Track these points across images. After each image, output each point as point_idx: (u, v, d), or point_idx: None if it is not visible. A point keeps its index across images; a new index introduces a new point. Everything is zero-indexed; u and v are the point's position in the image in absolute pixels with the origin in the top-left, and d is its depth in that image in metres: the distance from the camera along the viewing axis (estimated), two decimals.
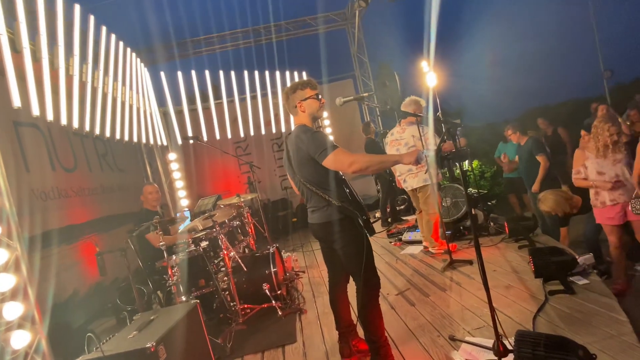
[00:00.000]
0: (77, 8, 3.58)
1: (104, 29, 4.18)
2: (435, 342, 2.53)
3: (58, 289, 4.47)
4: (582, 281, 2.87)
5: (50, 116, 3.17)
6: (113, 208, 6.16)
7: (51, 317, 4.09)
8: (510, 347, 2.05)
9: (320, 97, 2.38)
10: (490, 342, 2.19)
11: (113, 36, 4.43)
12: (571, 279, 2.90)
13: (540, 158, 4.64)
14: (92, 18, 3.87)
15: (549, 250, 2.94)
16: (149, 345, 1.91)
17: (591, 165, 3.18)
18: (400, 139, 4.34)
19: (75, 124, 3.64)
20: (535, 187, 4.71)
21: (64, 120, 3.45)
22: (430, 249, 4.52)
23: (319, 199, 2.30)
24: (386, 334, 2.41)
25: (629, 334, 2.13)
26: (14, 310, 2.39)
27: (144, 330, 2.18)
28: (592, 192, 3.31)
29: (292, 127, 2.46)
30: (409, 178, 4.38)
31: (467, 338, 2.47)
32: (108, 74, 4.36)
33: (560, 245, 3.17)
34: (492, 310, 2.05)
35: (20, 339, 2.39)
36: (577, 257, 2.98)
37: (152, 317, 2.37)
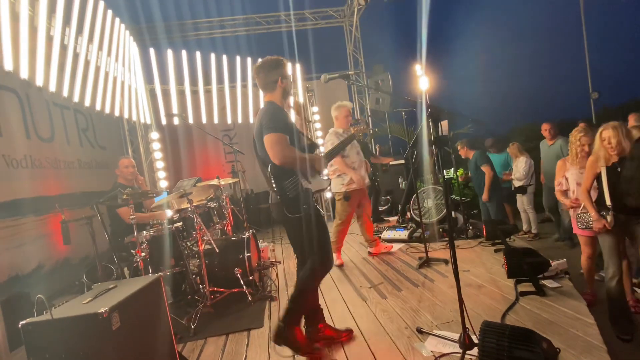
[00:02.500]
0: None
1: None
2: (403, 333, 2.49)
3: (22, 260, 4.30)
4: (554, 284, 2.88)
5: (24, 74, 3.02)
6: (90, 184, 5.98)
7: (10, 287, 3.94)
8: (476, 341, 2.02)
9: (291, 77, 2.46)
10: (457, 336, 2.16)
11: (101, 2, 4.29)
12: (543, 282, 2.90)
13: (484, 168, 5.05)
14: None
15: (524, 252, 2.93)
16: (101, 310, 1.81)
17: (571, 177, 3.15)
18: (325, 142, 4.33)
19: (52, 87, 3.49)
20: (484, 196, 5.12)
21: (39, 82, 3.30)
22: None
23: (267, 179, 2.30)
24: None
25: (595, 335, 2.12)
26: None
27: (100, 298, 2.07)
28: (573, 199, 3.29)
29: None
30: (334, 182, 4.27)
31: (435, 331, 2.43)
32: (93, 42, 4.21)
33: (534, 248, 3.15)
34: (461, 301, 2.01)
35: None
36: (550, 261, 2.98)
37: (111, 287, 2.26)
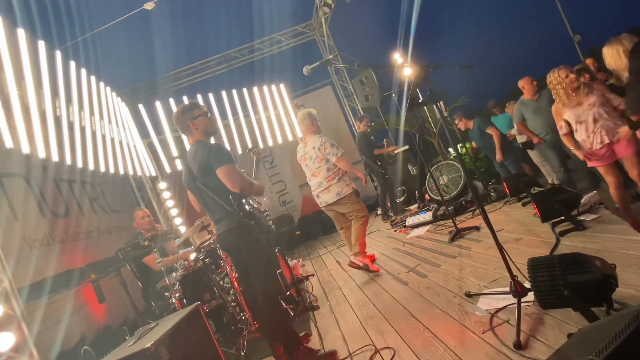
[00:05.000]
0: (41, 45, 3.60)
1: (72, 63, 4.20)
2: (452, 302, 2.41)
3: (64, 336, 4.31)
4: (591, 216, 2.78)
5: (25, 149, 3.12)
6: (111, 249, 6.03)
7: None
8: (528, 286, 1.94)
9: (209, 114, 2.60)
10: (507, 289, 2.08)
11: (83, 70, 4.45)
12: (580, 217, 2.81)
13: (490, 130, 5.03)
14: (58, 54, 3.89)
15: (551, 191, 2.85)
16: (147, 345, 1.79)
17: (570, 118, 3.04)
18: (305, 154, 4.00)
19: (55, 157, 3.59)
20: (498, 156, 5.07)
21: (41, 154, 3.40)
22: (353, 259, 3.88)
23: (221, 209, 2.45)
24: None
25: None
26: None
27: (143, 337, 2.06)
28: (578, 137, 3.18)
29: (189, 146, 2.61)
30: (322, 194, 3.88)
31: (484, 291, 2.35)
32: (83, 108, 4.35)
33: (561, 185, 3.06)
34: (501, 246, 1.95)
35: None
36: (581, 195, 2.89)
37: (152, 326, 2.25)
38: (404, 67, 6.77)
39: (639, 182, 2.80)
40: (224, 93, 7.13)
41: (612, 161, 2.97)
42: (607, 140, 2.92)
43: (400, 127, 6.17)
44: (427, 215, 4.96)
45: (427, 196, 5.75)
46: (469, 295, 2.37)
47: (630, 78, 2.29)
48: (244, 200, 2.53)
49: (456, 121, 5.41)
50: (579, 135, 2.99)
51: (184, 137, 7.14)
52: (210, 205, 2.52)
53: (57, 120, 3.85)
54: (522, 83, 4.36)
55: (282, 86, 7.95)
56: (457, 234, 3.76)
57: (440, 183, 5.32)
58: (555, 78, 3.02)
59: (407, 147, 6.61)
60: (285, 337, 2.45)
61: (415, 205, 6.34)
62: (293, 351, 2.39)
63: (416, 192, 6.29)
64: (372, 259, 4.11)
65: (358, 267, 3.80)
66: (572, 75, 2.92)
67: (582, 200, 2.81)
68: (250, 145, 4.32)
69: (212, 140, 2.64)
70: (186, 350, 2.09)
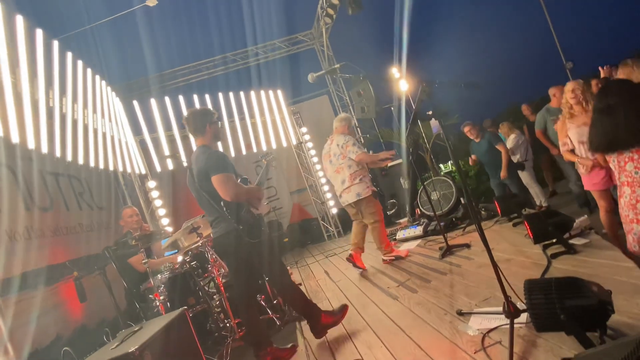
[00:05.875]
0: (39, 33, 3.53)
1: (69, 55, 4.12)
2: (443, 320, 2.39)
3: (39, 334, 4.15)
4: (582, 241, 2.81)
5: (15, 139, 3.03)
6: (94, 247, 5.88)
7: None
8: (521, 307, 1.94)
9: (220, 123, 2.83)
10: (500, 309, 2.08)
11: (80, 62, 4.37)
12: (571, 241, 2.83)
13: (500, 147, 5.01)
14: (55, 44, 3.81)
15: (545, 214, 2.88)
16: (132, 350, 1.73)
17: (573, 135, 3.12)
18: (329, 151, 4.24)
19: (44, 149, 3.50)
20: (503, 173, 5.04)
21: (31, 145, 3.30)
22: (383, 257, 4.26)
23: (215, 212, 2.57)
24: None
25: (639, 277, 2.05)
26: None
27: (127, 341, 1.99)
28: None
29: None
30: (344, 194, 4.13)
31: (476, 310, 2.34)
32: (77, 101, 4.26)
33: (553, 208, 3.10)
34: (496, 266, 1.95)
35: None
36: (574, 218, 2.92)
37: (136, 329, 2.18)
38: (400, 81, 6.87)
39: None
40: (220, 95, 7.08)
41: (608, 187, 3.04)
42: (605, 166, 2.97)
43: (402, 142, 6.21)
44: (418, 230, 4.96)
45: (417, 210, 5.77)
46: (460, 313, 2.36)
47: (594, 116, 2.38)
48: (238, 206, 2.59)
49: (466, 128, 5.29)
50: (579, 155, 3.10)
51: (177, 138, 7.10)
52: (206, 208, 2.65)
53: (50, 111, 3.76)
54: (553, 90, 4.47)
55: (279, 92, 7.94)
56: (448, 251, 3.76)
57: (432, 198, 5.34)
58: (565, 90, 3.14)
59: (400, 160, 6.65)
60: (307, 307, 2.72)
61: (406, 219, 6.36)
62: (315, 321, 2.69)
63: (407, 206, 6.32)
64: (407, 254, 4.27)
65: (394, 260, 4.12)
66: (578, 92, 3.00)
67: (574, 225, 2.84)
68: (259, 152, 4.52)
69: (220, 147, 2.79)
70: (170, 356, 2.03)
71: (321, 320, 2.71)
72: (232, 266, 2.73)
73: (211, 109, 2.83)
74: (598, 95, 2.36)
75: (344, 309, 2.83)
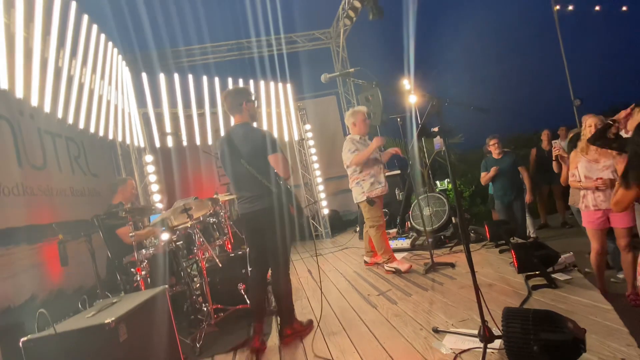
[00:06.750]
0: None
1: (85, 17, 4.09)
2: (419, 335, 2.42)
3: (14, 291, 4.12)
4: (565, 277, 2.85)
5: (19, 94, 3.00)
6: (82, 212, 5.84)
7: (3, 319, 3.75)
8: (496, 333, 1.97)
9: (256, 102, 2.86)
10: (475, 332, 2.11)
11: (95, 27, 4.34)
12: (553, 275, 2.87)
13: (522, 169, 4.93)
14: (73, 4, 3.78)
15: (532, 245, 2.92)
16: (108, 321, 1.73)
17: (581, 169, 3.13)
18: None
19: (47, 108, 3.47)
20: (529, 197, 4.93)
21: (34, 102, 3.27)
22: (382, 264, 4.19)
23: (262, 188, 2.64)
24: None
25: (615, 320, 2.09)
26: None
27: (104, 311, 1.99)
28: (581, 194, 3.25)
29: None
30: (354, 191, 4.21)
31: (452, 329, 2.37)
32: (86, 65, 4.23)
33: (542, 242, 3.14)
34: (477, 289, 1.97)
35: None
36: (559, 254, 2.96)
37: (114, 300, 2.18)
38: (410, 94, 6.89)
39: (624, 251, 2.90)
40: (230, 80, 7.05)
41: (604, 227, 3.05)
42: (603, 207, 2.99)
43: (403, 154, 6.23)
44: (406, 243, 5.00)
45: (407, 223, 5.80)
46: (436, 330, 2.39)
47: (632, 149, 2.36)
48: (285, 185, 2.73)
49: (493, 141, 5.03)
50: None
51: (181, 116, 7.07)
52: (249, 184, 2.68)
53: (58, 72, 3.73)
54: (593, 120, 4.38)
55: (288, 86, 7.93)
56: (432, 267, 3.80)
57: (425, 214, 5.37)
58: (584, 124, 3.15)
59: (398, 171, 6.67)
60: (289, 311, 2.78)
61: (395, 230, 6.39)
62: (287, 326, 2.75)
63: (398, 218, 6.34)
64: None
65: (393, 272, 4.00)
66: (593, 128, 3.00)
67: (559, 260, 2.88)
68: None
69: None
70: (145, 332, 2.03)
71: (293, 325, 2.78)
72: (273, 238, 2.71)
73: (247, 88, 2.92)
74: (635, 136, 2.32)
75: (310, 324, 2.93)
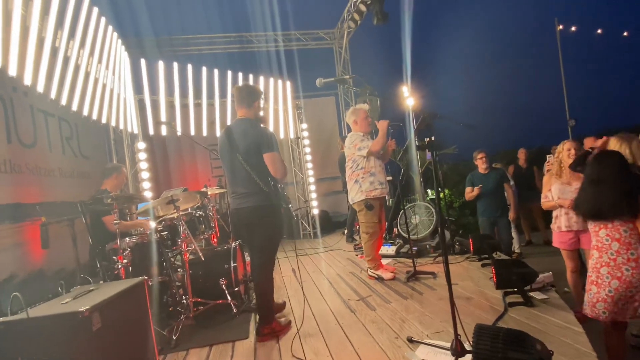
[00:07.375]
0: None
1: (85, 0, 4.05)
2: (393, 343, 2.44)
3: None
4: (541, 296, 2.89)
5: (13, 72, 2.97)
6: (70, 194, 5.78)
7: None
8: (468, 348, 1.99)
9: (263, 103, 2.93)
10: (448, 345, 2.13)
11: (95, 9, 4.29)
12: (531, 294, 2.91)
13: (508, 186, 4.97)
14: None
15: (512, 262, 2.96)
16: (82, 309, 1.73)
17: (555, 190, 3.27)
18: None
19: (40, 88, 3.43)
20: (513, 214, 4.94)
21: (27, 81, 3.24)
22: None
23: (255, 186, 2.66)
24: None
25: (584, 343, 2.12)
26: None
27: (80, 298, 1.98)
28: (553, 215, 3.38)
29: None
30: (350, 190, 4.05)
31: (426, 340, 2.39)
32: (84, 47, 4.19)
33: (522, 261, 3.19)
34: (453, 304, 2.00)
35: None
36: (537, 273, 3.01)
37: (91, 288, 2.17)
38: (406, 100, 6.93)
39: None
40: (229, 73, 7.02)
41: (574, 248, 3.20)
42: (575, 228, 3.14)
43: (397, 160, 6.22)
44: (391, 249, 5.03)
45: (395, 230, 5.83)
46: (410, 340, 2.41)
47: (585, 182, 2.48)
48: (279, 185, 2.77)
49: (480, 155, 4.90)
50: (554, 210, 3.29)
51: (177, 105, 7.02)
52: (243, 180, 2.72)
53: (54, 51, 3.68)
54: (571, 144, 4.45)
55: (288, 83, 7.92)
56: (414, 276, 3.83)
57: (412, 222, 5.41)
58: (561, 149, 3.28)
59: (390, 177, 6.70)
60: (268, 310, 2.79)
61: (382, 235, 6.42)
62: (265, 324, 2.75)
63: (386, 223, 6.38)
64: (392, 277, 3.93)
65: (375, 279, 3.97)
66: (573, 152, 3.13)
67: (537, 279, 2.92)
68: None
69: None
70: (120, 322, 2.02)
71: (272, 324, 2.79)
72: (261, 235, 2.77)
73: (260, 90, 2.95)
74: (592, 164, 2.44)
75: (288, 324, 2.95)
